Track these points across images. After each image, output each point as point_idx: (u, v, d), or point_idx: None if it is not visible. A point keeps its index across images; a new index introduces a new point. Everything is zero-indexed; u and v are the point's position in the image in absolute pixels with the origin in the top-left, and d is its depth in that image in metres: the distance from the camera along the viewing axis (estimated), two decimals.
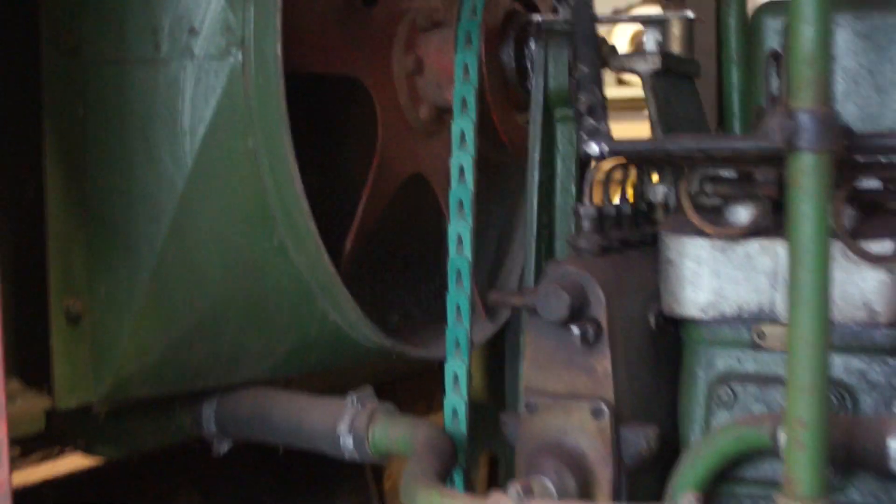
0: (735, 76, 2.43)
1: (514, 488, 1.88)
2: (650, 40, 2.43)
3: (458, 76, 2.39)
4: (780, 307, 2.11)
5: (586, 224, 2.15)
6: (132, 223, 2.19)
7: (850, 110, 2.19)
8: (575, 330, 2.04)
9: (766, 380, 2.13)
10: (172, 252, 2.19)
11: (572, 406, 2.09)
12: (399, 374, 3.18)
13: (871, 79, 2.19)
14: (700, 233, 2.17)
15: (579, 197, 2.42)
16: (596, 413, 2.07)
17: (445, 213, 2.70)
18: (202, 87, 2.15)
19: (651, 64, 2.27)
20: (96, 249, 2.18)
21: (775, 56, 2.06)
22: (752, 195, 2.13)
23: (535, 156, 2.46)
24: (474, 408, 2.39)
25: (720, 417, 2.14)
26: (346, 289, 2.28)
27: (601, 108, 2.03)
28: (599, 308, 2.09)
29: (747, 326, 2.15)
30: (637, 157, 2.12)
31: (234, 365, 2.36)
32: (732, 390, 2.13)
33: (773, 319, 2.12)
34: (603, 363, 2.10)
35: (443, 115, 2.62)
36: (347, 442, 2.30)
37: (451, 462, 2.15)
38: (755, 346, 2.14)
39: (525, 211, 2.82)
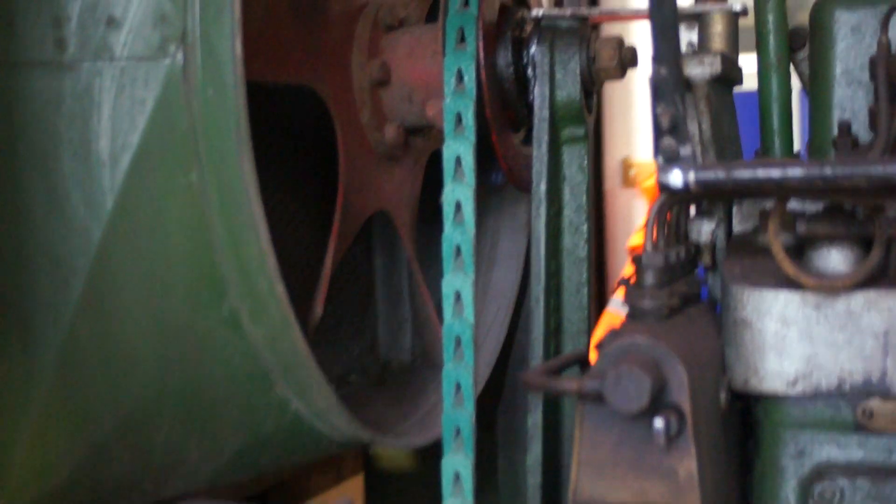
0: (775, 84, 1.96)
1: None
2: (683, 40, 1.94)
3: (450, 86, 1.84)
4: (895, 377, 1.65)
5: (650, 277, 1.63)
6: (30, 290, 1.58)
7: None
8: (658, 423, 1.52)
9: (879, 471, 1.65)
10: (86, 329, 1.59)
11: None
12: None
13: None
14: (786, 285, 1.69)
15: (596, 236, 1.91)
16: None
17: (411, 256, 2.16)
18: (126, 101, 1.56)
19: (709, 68, 1.77)
20: None
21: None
22: (852, 236, 1.66)
23: (541, 187, 1.94)
24: None
25: None
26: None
27: (684, 125, 1.53)
28: (681, 392, 1.57)
29: (850, 403, 1.67)
30: (731, 190, 1.62)
31: (168, 476, 1.76)
32: (838, 487, 1.66)
33: (885, 393, 1.65)
34: (686, 464, 1.58)
35: (410, 136, 2.07)
36: None
37: None
38: (861, 428, 1.67)
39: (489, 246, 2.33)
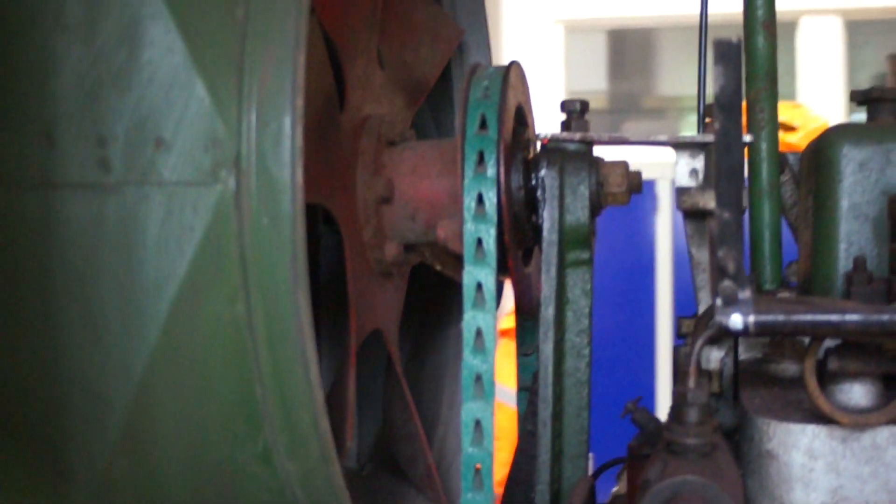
0: (766, 211, 2.01)
1: None
2: (682, 169, 1.97)
3: (470, 210, 1.82)
4: None
5: (693, 414, 1.64)
6: (65, 427, 1.48)
7: None
8: None
9: None
10: (122, 468, 1.50)
11: None
12: None
13: None
14: (812, 419, 1.71)
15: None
16: None
17: (399, 373, 2.12)
18: (174, 227, 1.48)
19: None
20: (12, 470, 1.45)
21: None
22: (877, 372, 1.71)
23: (549, 311, 1.93)
24: None
25: None
26: None
27: (743, 269, 1.55)
28: None
29: None
30: (786, 332, 1.64)
31: None
32: None
33: None
34: None
35: (408, 253, 2.04)
36: None
37: None
38: None
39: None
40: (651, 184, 6.72)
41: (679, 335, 2.34)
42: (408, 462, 2.21)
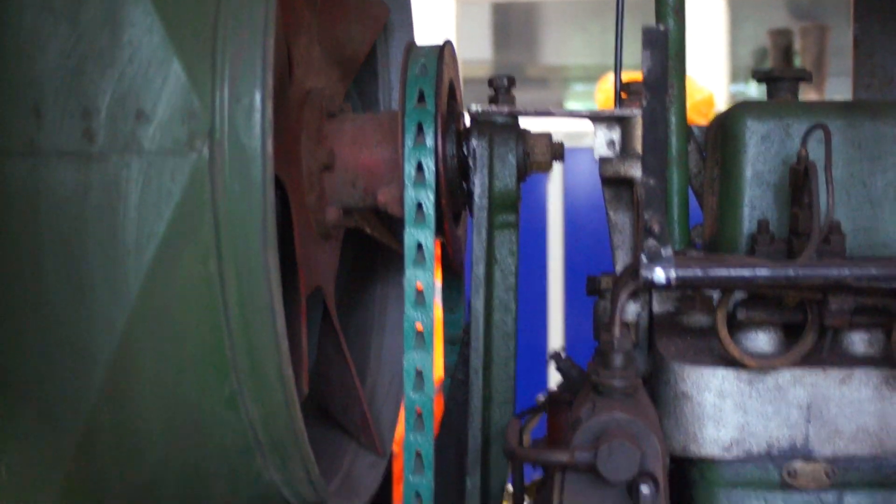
0: (675, 178, 2.21)
1: None
2: (601, 140, 2.16)
3: (410, 177, 1.98)
4: (815, 443, 1.91)
5: (618, 359, 1.83)
6: (52, 379, 1.61)
7: (840, 222, 2.03)
8: (645, 489, 1.71)
9: None
10: (106, 415, 1.63)
11: None
12: None
13: (864, 190, 2.05)
14: (722, 363, 1.92)
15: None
16: None
17: (337, 327, 2.28)
18: (153, 192, 1.62)
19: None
20: (2, 423, 1.57)
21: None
22: (780, 322, 1.92)
23: (480, 269, 2.11)
24: None
25: None
26: None
27: (666, 230, 1.73)
28: (656, 462, 1.77)
29: (777, 465, 1.92)
30: (704, 285, 1.83)
31: None
32: None
33: (807, 456, 1.91)
34: None
35: (345, 217, 2.19)
36: None
37: None
38: (785, 486, 1.92)
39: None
40: None
41: (590, 292, 2.54)
42: (342, 411, 2.37)
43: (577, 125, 6.81)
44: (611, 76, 2.27)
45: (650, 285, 1.77)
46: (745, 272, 1.77)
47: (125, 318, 1.61)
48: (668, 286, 1.76)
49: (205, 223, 1.63)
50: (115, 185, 1.60)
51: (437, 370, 2.08)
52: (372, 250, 2.63)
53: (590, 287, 2.70)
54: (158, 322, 1.64)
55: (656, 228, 1.73)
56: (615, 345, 1.83)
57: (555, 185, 6.81)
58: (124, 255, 1.61)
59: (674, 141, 2.20)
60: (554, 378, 6.50)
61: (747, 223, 2.04)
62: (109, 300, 1.61)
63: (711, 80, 8.90)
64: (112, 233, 1.61)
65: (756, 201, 2.05)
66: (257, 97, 1.61)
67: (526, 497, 2.06)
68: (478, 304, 2.11)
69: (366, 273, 2.67)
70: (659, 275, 1.75)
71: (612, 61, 2.23)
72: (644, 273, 1.76)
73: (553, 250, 6.83)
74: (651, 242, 1.75)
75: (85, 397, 1.60)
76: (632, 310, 2.09)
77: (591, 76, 9.37)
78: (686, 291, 2.06)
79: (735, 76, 10.56)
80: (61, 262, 1.60)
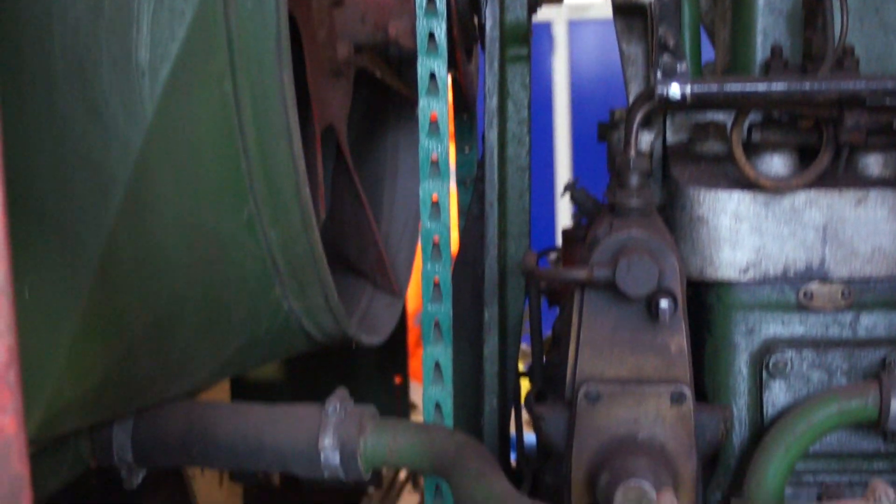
0: (687, 13, 2.17)
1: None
2: None
3: (422, 7, 1.96)
4: (831, 264, 1.92)
5: (635, 179, 1.83)
6: (70, 199, 1.60)
7: (854, 46, 2.01)
8: (664, 304, 1.73)
9: (819, 343, 1.92)
10: (125, 235, 1.63)
11: (646, 392, 1.77)
12: None
13: (877, 17, 2.03)
14: (738, 186, 1.92)
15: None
16: (676, 398, 1.77)
17: (351, 167, 2.28)
18: (165, 12, 1.60)
19: None
20: (21, 240, 1.57)
21: None
22: (795, 143, 1.91)
23: (493, 102, 2.09)
24: None
25: (775, 388, 1.92)
26: None
27: (680, 45, 1.71)
28: (674, 278, 1.78)
29: (793, 287, 1.93)
30: (720, 102, 1.82)
31: (177, 377, 1.82)
32: (787, 358, 1.91)
33: (823, 278, 1.92)
34: (677, 340, 1.80)
35: (357, 54, 2.18)
36: (332, 459, 1.85)
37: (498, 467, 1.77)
38: (802, 308, 1.94)
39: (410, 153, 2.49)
40: (547, 26, 6.88)
41: (601, 139, 2.53)
42: (358, 254, 2.38)
43: None
44: None
45: (666, 102, 1.75)
46: (761, 86, 1.76)
47: (141, 138, 1.60)
48: (683, 102, 1.75)
49: (218, 43, 1.62)
50: (126, 5, 1.58)
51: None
52: (383, 100, 2.62)
53: (601, 133, 2.70)
54: (175, 143, 1.64)
55: (671, 43, 1.71)
56: (631, 164, 1.82)
57: (560, 59, 6.75)
58: (139, 76, 1.59)
59: None
60: (563, 219, 6.51)
61: (760, 51, 2.02)
62: (125, 120, 1.60)
63: None
64: (126, 53, 1.59)
65: (769, 30, 2.03)
66: None
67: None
68: (492, 136, 2.10)
69: (377, 123, 2.66)
70: (675, 90, 1.74)
71: None
72: (659, 89, 1.74)
73: (560, 124, 6.80)
74: (666, 58, 1.73)
75: (104, 219, 1.60)
76: (646, 139, 2.09)
77: None
78: (699, 120, 2.05)
79: None
80: (75, 82, 1.59)
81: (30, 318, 1.58)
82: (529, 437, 2.11)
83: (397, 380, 3.28)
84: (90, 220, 1.61)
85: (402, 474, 3.74)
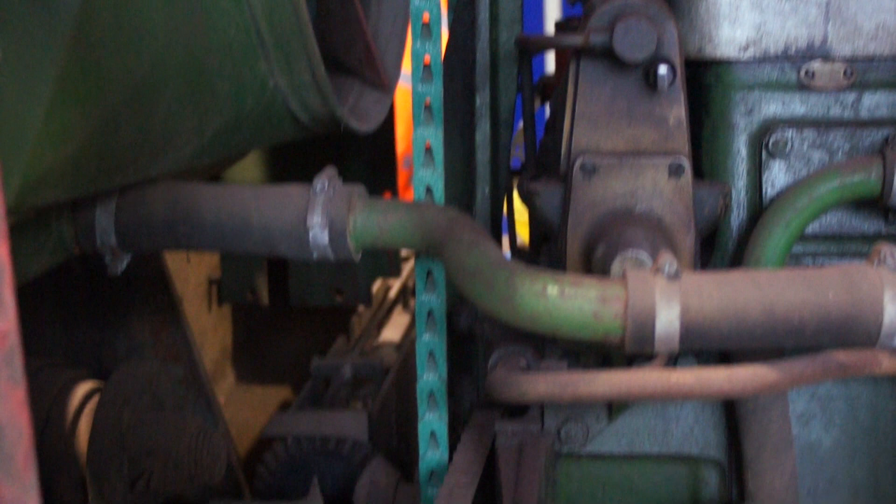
0: None
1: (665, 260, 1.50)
2: None
3: None
4: (834, 42, 1.86)
5: None
6: None
7: None
8: (663, 70, 1.67)
9: (820, 123, 1.87)
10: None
11: (644, 164, 1.73)
12: None
13: None
14: None
15: None
16: (674, 170, 1.73)
17: None
18: None
19: None
20: None
21: None
22: None
23: None
24: None
25: (774, 168, 1.87)
26: None
27: None
28: (673, 47, 1.73)
29: (794, 65, 1.87)
30: None
31: (160, 152, 1.76)
32: (787, 137, 1.86)
33: (825, 56, 1.86)
34: (676, 111, 1.75)
35: None
36: (321, 238, 1.80)
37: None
38: (803, 87, 1.88)
39: None
40: None
41: None
42: (345, 47, 2.31)
43: None
44: None
45: None
46: None
47: None
48: None
49: None
50: None
51: None
52: None
53: None
54: None
55: None
56: None
57: None
58: None
59: None
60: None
61: None
62: None
63: None
64: None
65: None
66: None
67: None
68: None
69: None
70: None
71: None
72: None
73: None
74: None
75: None
76: None
77: None
78: None
79: None
80: None
81: (4, 79, 1.52)
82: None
83: (386, 196, 3.24)
84: None
85: (392, 293, 3.72)
